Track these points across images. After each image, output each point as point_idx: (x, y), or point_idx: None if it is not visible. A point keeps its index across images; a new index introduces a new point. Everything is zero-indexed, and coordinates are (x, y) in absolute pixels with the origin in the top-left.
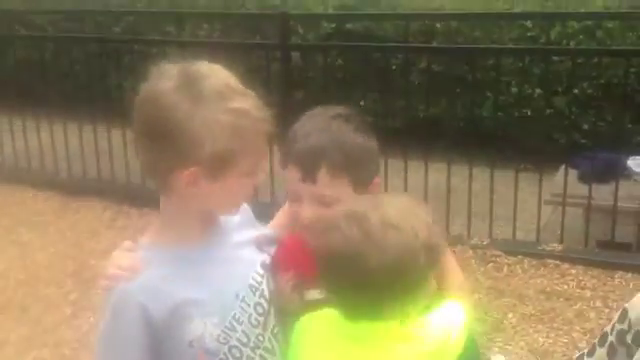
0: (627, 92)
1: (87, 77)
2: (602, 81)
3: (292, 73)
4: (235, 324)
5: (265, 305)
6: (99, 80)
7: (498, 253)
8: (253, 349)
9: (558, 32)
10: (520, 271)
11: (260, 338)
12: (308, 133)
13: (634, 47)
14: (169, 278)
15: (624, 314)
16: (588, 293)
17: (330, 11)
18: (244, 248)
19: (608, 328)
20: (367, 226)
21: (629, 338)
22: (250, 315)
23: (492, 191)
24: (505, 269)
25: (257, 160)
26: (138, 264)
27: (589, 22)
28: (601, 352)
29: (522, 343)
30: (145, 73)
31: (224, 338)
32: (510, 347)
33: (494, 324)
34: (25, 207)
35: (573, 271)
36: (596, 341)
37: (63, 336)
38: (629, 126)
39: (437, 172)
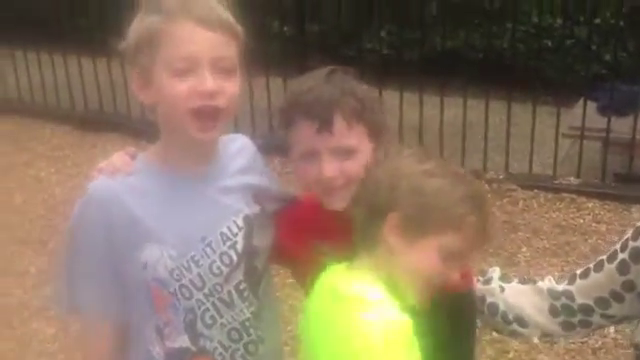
0: None
1: (101, 11)
2: (625, 10)
3: (306, 4)
4: (192, 265)
5: (234, 257)
6: (113, 14)
7: (514, 187)
8: (207, 296)
9: None
10: (536, 205)
11: (218, 288)
12: (312, 87)
13: None
14: (145, 194)
15: (637, 232)
16: (604, 227)
17: None
18: (232, 194)
19: (618, 246)
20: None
21: None
22: (213, 262)
23: (509, 124)
24: (520, 203)
25: (179, 56)
26: (127, 167)
27: None
28: (610, 268)
29: (536, 278)
30: None
31: (177, 274)
32: None
33: (508, 258)
34: (42, 142)
35: (589, 205)
36: (604, 257)
37: None
38: None
39: (454, 106)
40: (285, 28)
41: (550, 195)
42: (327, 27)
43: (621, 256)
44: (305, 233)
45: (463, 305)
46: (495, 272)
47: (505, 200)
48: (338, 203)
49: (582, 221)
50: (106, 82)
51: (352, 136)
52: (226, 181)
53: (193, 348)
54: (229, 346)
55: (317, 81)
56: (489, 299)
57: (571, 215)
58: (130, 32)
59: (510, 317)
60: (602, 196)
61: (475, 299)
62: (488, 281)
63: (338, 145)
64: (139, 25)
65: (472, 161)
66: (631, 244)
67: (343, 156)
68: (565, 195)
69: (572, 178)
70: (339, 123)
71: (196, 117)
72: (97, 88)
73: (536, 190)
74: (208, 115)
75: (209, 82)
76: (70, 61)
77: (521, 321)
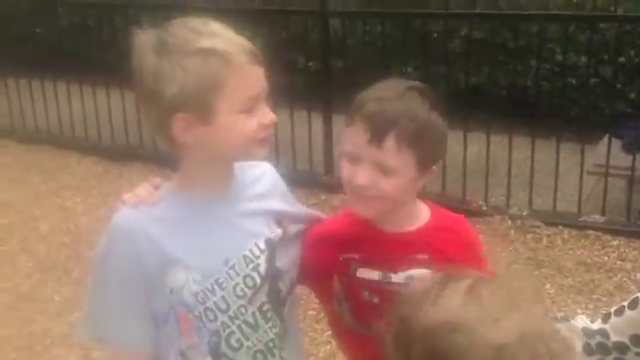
0: None
1: (129, 45)
2: None
3: (331, 41)
4: (216, 288)
5: (257, 280)
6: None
7: (538, 224)
8: (232, 318)
9: None
10: (560, 242)
11: (242, 310)
12: (382, 97)
13: None
14: (168, 222)
15: None
16: (629, 265)
17: None
18: (253, 217)
19: None
20: None
21: None
22: (237, 284)
23: (533, 161)
24: (544, 240)
25: (246, 94)
26: (152, 197)
27: None
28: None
29: (560, 314)
30: None
31: (202, 298)
32: None
33: None
34: (69, 172)
35: (614, 243)
36: (639, 294)
37: None
38: None
39: (477, 141)
40: (310, 63)
41: (575, 232)
42: (352, 63)
43: None
44: (333, 247)
45: None
46: None
47: (529, 236)
48: (363, 211)
49: (607, 259)
50: (133, 114)
51: (398, 158)
52: (246, 205)
53: None
54: None
55: (391, 93)
56: None
57: (596, 252)
58: (178, 79)
59: None
60: (627, 234)
61: None
62: None
63: (381, 161)
64: (191, 70)
65: (495, 197)
66: None
67: (382, 172)
68: (590, 232)
69: (597, 215)
70: (390, 142)
71: (260, 144)
72: (124, 120)
73: (560, 227)
74: (267, 140)
75: (272, 115)
76: (99, 93)
77: None
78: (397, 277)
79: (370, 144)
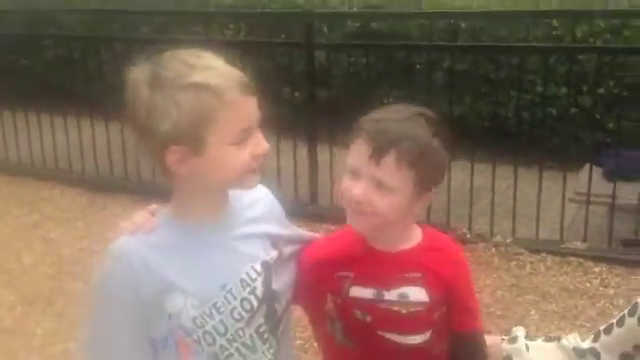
0: None
1: (115, 77)
2: (628, 80)
3: (316, 72)
4: (214, 312)
5: (254, 303)
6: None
7: (521, 251)
8: (230, 341)
9: (584, 31)
10: (543, 269)
11: (240, 333)
12: (387, 118)
13: None
14: (165, 248)
15: (635, 308)
16: (612, 291)
17: (354, 10)
18: (249, 241)
19: (639, 299)
20: None
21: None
22: (234, 308)
23: (516, 189)
24: (528, 267)
25: (238, 127)
26: (149, 224)
27: (615, 21)
28: (631, 321)
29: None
30: None
31: (200, 322)
32: None
33: (517, 321)
34: (53, 203)
35: (597, 269)
36: (626, 312)
37: None
38: None
39: (461, 170)
40: (296, 94)
41: (557, 259)
42: (336, 93)
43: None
44: (328, 266)
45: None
46: (520, 331)
47: (512, 264)
48: (356, 225)
49: (589, 285)
50: (117, 145)
51: (397, 177)
52: (242, 229)
53: None
54: None
55: (397, 115)
56: (516, 359)
57: (578, 279)
58: (171, 114)
59: None
60: (609, 260)
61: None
62: (514, 340)
63: (379, 178)
64: (184, 105)
65: (479, 225)
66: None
67: (378, 189)
68: (572, 259)
69: (579, 242)
70: (389, 160)
71: (252, 174)
72: (108, 152)
73: (543, 254)
74: (259, 169)
75: (265, 144)
76: (83, 125)
77: None
78: (390, 295)
79: (370, 160)
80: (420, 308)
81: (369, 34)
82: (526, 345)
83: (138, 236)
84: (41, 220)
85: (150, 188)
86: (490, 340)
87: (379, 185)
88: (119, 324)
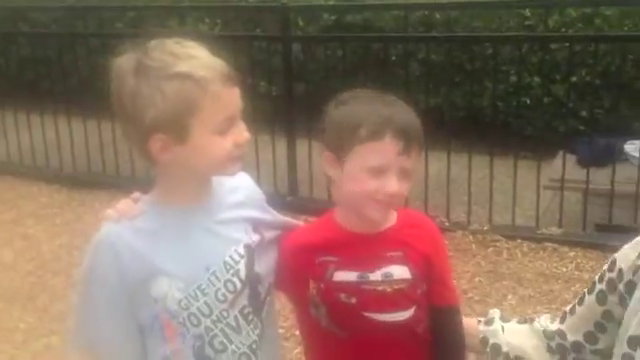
0: (624, 79)
1: (90, 73)
2: (600, 68)
3: (293, 65)
4: (199, 294)
5: (238, 284)
6: (102, 75)
7: (498, 238)
8: (214, 322)
9: (556, 20)
10: (519, 255)
11: (224, 314)
12: (395, 111)
13: (631, 33)
14: (149, 233)
15: (613, 263)
16: (586, 275)
17: (330, 3)
18: (232, 225)
19: (596, 277)
20: None
21: (621, 287)
22: (218, 290)
23: (492, 178)
24: (505, 253)
25: (222, 116)
26: (133, 211)
27: (587, 10)
28: (590, 299)
29: (534, 316)
30: None
31: (185, 304)
32: None
33: (494, 306)
34: (31, 200)
35: (572, 254)
36: (586, 290)
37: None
38: (626, 112)
39: (438, 161)
40: (273, 88)
41: (533, 245)
42: (314, 87)
43: (599, 287)
44: (309, 252)
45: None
46: (496, 313)
47: (490, 250)
48: (379, 216)
49: (565, 269)
50: (95, 141)
51: (416, 162)
52: (224, 214)
53: None
54: None
55: (396, 107)
56: (492, 340)
57: (554, 264)
58: (156, 102)
59: (512, 357)
60: (584, 245)
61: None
62: (490, 322)
63: (407, 168)
64: (169, 94)
65: (457, 213)
66: (607, 275)
67: (403, 177)
68: (548, 245)
69: (554, 228)
70: (417, 149)
71: (234, 162)
72: (86, 148)
73: (519, 240)
74: (240, 157)
75: (246, 134)
76: (60, 122)
77: None
78: (374, 275)
79: (400, 155)
80: (404, 285)
81: (345, 27)
82: (502, 327)
83: (123, 222)
84: (20, 217)
85: (128, 183)
86: (467, 322)
87: (406, 174)
88: (106, 309)
